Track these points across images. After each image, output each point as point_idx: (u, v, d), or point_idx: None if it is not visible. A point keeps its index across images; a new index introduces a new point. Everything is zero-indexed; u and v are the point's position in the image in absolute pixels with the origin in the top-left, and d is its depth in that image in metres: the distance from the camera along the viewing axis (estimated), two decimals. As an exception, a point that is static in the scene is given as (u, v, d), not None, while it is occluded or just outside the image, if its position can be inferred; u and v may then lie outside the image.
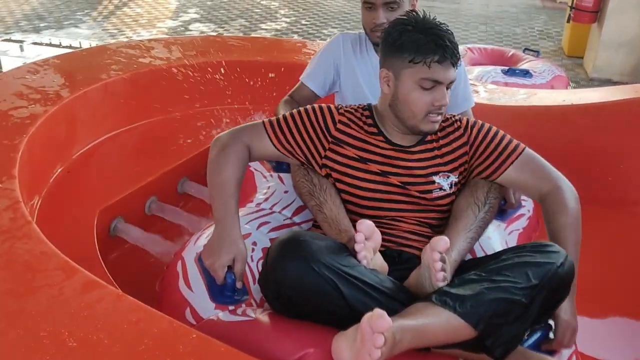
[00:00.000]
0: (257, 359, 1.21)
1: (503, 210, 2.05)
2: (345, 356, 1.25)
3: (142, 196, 2.23)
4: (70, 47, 5.75)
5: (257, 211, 1.96)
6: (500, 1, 8.46)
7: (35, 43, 5.85)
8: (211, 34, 6.34)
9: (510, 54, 5.20)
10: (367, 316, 1.21)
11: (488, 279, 1.37)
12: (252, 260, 1.71)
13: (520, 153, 1.67)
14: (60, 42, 5.87)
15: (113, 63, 2.66)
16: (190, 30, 6.65)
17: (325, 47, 2.21)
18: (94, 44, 5.73)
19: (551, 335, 1.53)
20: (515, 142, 1.68)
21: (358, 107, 1.74)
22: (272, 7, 7.75)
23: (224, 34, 6.40)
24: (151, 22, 6.89)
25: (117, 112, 2.53)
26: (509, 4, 8.33)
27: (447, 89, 1.57)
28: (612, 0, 5.37)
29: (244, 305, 1.55)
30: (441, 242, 1.40)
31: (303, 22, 7.13)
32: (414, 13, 1.68)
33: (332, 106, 1.73)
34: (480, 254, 1.82)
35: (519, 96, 2.78)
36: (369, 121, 1.70)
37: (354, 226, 1.54)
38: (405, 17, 1.63)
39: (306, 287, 1.35)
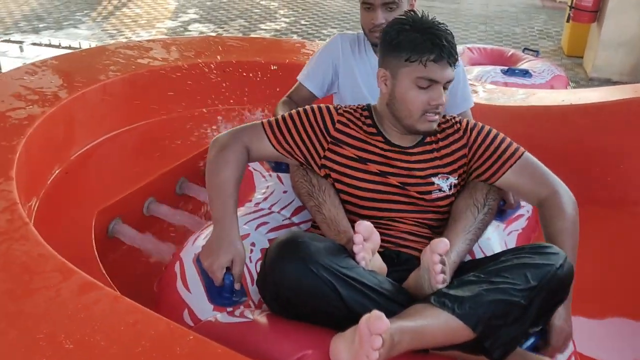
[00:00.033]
0: (254, 360, 1.21)
1: (502, 211, 2.04)
2: (343, 357, 1.24)
3: (141, 197, 2.22)
4: (69, 47, 5.74)
5: (255, 211, 1.95)
6: (499, 1, 8.45)
7: (34, 44, 5.85)
8: (210, 35, 6.34)
9: (510, 53, 5.20)
10: (365, 318, 1.20)
11: (487, 281, 1.36)
12: (251, 261, 1.70)
13: (519, 157, 1.66)
14: (59, 43, 5.87)
15: (111, 64, 2.65)
16: (190, 31, 6.64)
17: (323, 47, 2.20)
18: (93, 45, 5.72)
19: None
20: (514, 146, 1.68)
21: (357, 108, 1.73)
22: (271, 7, 7.75)
23: (224, 35, 6.40)
24: (150, 22, 6.89)
25: (116, 113, 2.53)
26: (508, 4, 8.33)
27: (444, 88, 1.57)
28: (611, 0, 5.37)
29: (242, 306, 1.54)
30: (441, 244, 1.40)
31: (302, 22, 7.13)
32: (412, 13, 1.68)
33: (331, 106, 1.73)
34: (479, 254, 1.82)
35: (518, 96, 2.78)
36: (368, 121, 1.70)
37: (353, 227, 1.53)
38: (403, 17, 1.63)
39: (304, 289, 1.35)
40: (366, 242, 1.47)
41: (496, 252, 1.80)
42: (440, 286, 1.39)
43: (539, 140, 2.24)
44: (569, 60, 6.09)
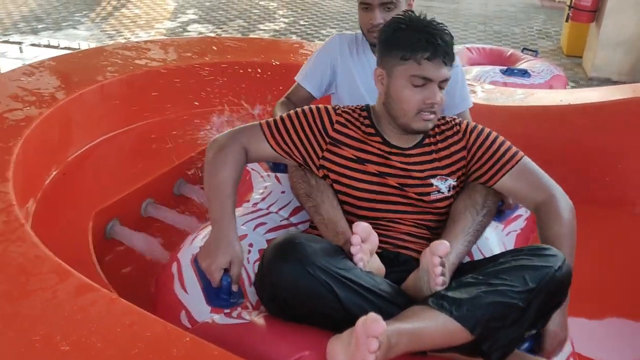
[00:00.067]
0: (251, 362, 1.20)
1: (501, 211, 2.04)
2: (340, 359, 1.24)
3: (138, 198, 2.22)
4: (68, 48, 5.74)
5: (253, 212, 1.95)
6: (499, 1, 8.45)
7: (33, 45, 5.84)
8: (210, 35, 6.33)
9: (509, 53, 5.19)
10: (361, 320, 1.20)
11: (485, 283, 1.36)
12: (249, 262, 1.70)
13: (518, 161, 1.65)
14: (58, 44, 5.86)
15: (109, 65, 2.65)
16: (189, 32, 6.64)
17: (321, 47, 2.20)
18: (92, 46, 5.72)
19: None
20: (513, 149, 1.67)
21: (356, 108, 1.73)
22: (270, 7, 7.75)
23: (223, 35, 6.39)
24: (149, 23, 6.88)
25: (113, 113, 2.53)
26: (507, 4, 8.32)
27: (440, 88, 1.56)
28: (610, 0, 5.37)
29: (239, 307, 1.54)
30: (441, 246, 1.40)
31: (301, 22, 7.12)
32: (410, 12, 1.68)
33: (329, 107, 1.72)
34: (477, 255, 1.81)
35: (516, 96, 2.77)
36: (367, 122, 1.69)
37: (352, 228, 1.53)
38: (400, 16, 1.64)
39: (301, 290, 1.35)
40: (364, 243, 1.47)
41: (495, 252, 1.81)
42: (439, 288, 1.39)
43: (537, 140, 2.25)
44: (568, 60, 6.09)
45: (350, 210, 1.69)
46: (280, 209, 1.98)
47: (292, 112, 1.72)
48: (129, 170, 2.29)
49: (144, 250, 2.09)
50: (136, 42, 3.16)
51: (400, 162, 1.65)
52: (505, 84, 4.18)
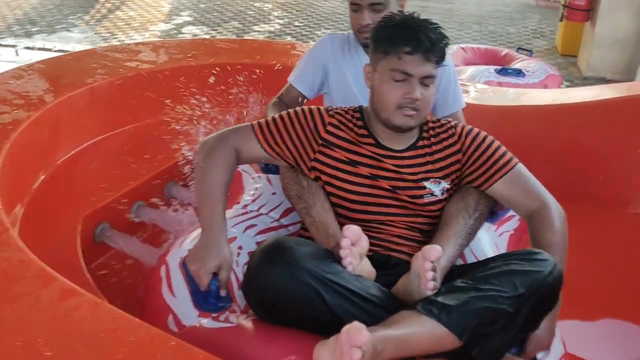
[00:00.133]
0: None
1: (493, 212, 2.02)
2: None
3: (128, 201, 2.20)
4: (62, 51, 5.72)
5: (243, 213, 1.94)
6: (494, 0, 8.45)
7: (27, 48, 5.83)
8: (204, 37, 6.32)
9: (504, 53, 5.20)
10: (345, 328, 1.19)
11: (474, 288, 1.35)
12: (238, 265, 1.69)
13: (512, 168, 1.64)
14: (54, 46, 5.85)
15: (99, 67, 2.64)
16: (183, 33, 6.63)
17: (313, 48, 2.19)
18: (88, 48, 5.70)
19: None
20: (508, 155, 1.66)
21: (349, 109, 1.72)
22: (265, 9, 7.74)
23: (217, 37, 6.38)
24: (144, 25, 6.87)
25: (103, 116, 2.51)
26: (502, 4, 8.32)
27: (425, 85, 1.55)
28: (604, -2, 5.38)
29: (227, 311, 1.53)
30: (433, 251, 1.39)
31: (296, 23, 7.11)
32: (400, 12, 1.68)
33: (322, 108, 1.71)
34: (470, 256, 1.80)
35: (509, 96, 2.77)
36: (360, 123, 1.68)
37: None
38: (391, 14, 1.65)
39: (289, 294, 1.34)
40: (354, 246, 1.46)
41: (487, 253, 1.80)
42: (429, 293, 1.38)
43: (530, 140, 2.24)
44: (563, 59, 6.08)
45: (342, 213, 1.67)
46: (271, 210, 1.97)
47: (284, 113, 1.71)
48: (119, 173, 2.28)
49: (134, 254, 2.07)
50: (127, 44, 3.14)
51: (393, 165, 1.64)
52: (499, 84, 4.19)
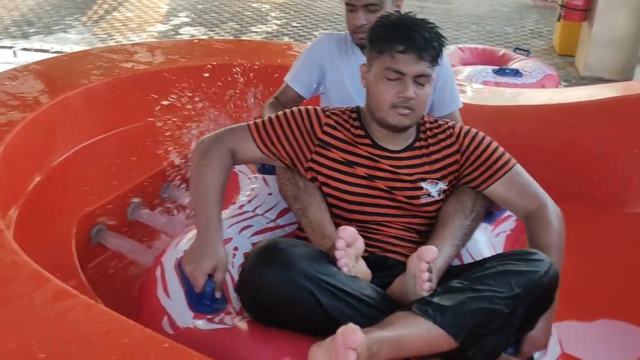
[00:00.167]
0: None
1: (490, 212, 2.01)
2: None
3: (125, 202, 2.20)
4: (60, 52, 5.71)
5: (239, 214, 1.93)
6: (491, 1, 8.45)
7: (25, 49, 5.82)
8: (202, 38, 6.32)
9: (501, 53, 5.21)
10: (340, 330, 1.19)
11: (470, 288, 1.35)
12: (233, 266, 1.68)
13: (510, 169, 1.64)
14: (51, 48, 5.84)
15: (94, 68, 2.63)
16: (181, 34, 6.62)
17: (309, 48, 2.19)
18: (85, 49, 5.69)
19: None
20: (507, 156, 1.66)
21: (345, 110, 1.71)
22: (263, 9, 7.73)
23: (215, 37, 6.38)
24: (141, 26, 6.86)
25: (98, 117, 2.50)
26: (500, 4, 8.33)
27: (419, 84, 1.55)
28: (601, -2, 5.39)
29: (222, 313, 1.52)
30: (429, 251, 1.38)
31: (294, 24, 7.11)
32: (397, 12, 1.68)
33: (318, 108, 1.71)
34: (466, 256, 1.80)
35: (505, 96, 2.77)
36: (356, 124, 1.67)
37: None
38: (387, 14, 1.65)
39: (283, 295, 1.33)
40: (349, 247, 1.45)
41: (484, 254, 1.80)
42: (425, 294, 1.38)
43: (526, 140, 2.24)
44: (561, 59, 6.09)
45: (338, 213, 1.67)
46: (267, 211, 1.97)
47: (280, 113, 1.70)
48: (116, 174, 2.27)
49: (130, 255, 2.07)
50: (122, 44, 3.14)
51: (390, 165, 1.64)
52: (497, 84, 4.19)
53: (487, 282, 1.35)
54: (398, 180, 1.63)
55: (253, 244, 1.76)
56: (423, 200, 1.64)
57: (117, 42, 6.24)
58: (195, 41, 3.65)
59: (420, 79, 1.54)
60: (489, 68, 4.64)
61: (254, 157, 1.69)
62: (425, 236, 1.67)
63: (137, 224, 2.23)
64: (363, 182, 1.64)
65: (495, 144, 1.68)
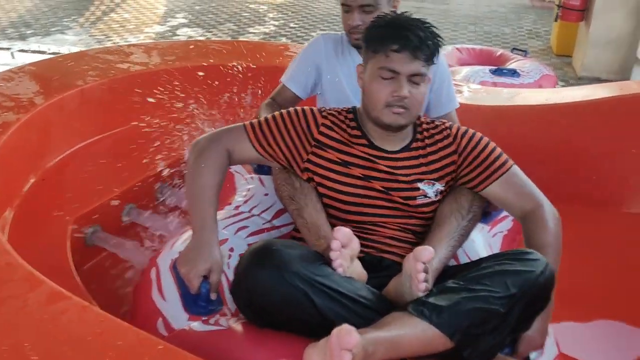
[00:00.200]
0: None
1: (487, 213, 2.01)
2: None
3: (120, 203, 2.19)
4: (57, 54, 5.70)
5: (235, 215, 1.92)
6: (489, 1, 8.46)
7: (22, 50, 5.81)
8: (199, 39, 6.31)
9: (499, 53, 5.22)
10: (335, 331, 1.19)
11: (466, 288, 1.35)
12: (229, 268, 1.67)
13: (507, 170, 1.64)
14: (49, 49, 5.83)
15: (90, 69, 2.62)
16: (178, 35, 6.62)
17: (305, 48, 2.19)
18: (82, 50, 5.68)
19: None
20: (504, 157, 1.66)
21: (342, 110, 1.71)
22: (260, 10, 7.73)
23: (212, 38, 6.37)
24: (139, 27, 6.86)
25: (93, 119, 2.49)
26: (497, 4, 8.33)
27: (414, 83, 1.54)
28: (598, -2, 5.39)
29: (217, 314, 1.51)
30: (425, 252, 1.38)
31: (292, 25, 7.11)
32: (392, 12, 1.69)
33: (315, 109, 1.70)
34: (463, 257, 1.80)
35: (501, 96, 2.77)
36: (353, 124, 1.67)
37: (336, 232, 1.50)
38: (382, 14, 1.66)
39: (278, 297, 1.33)
40: (345, 248, 1.45)
41: (481, 254, 1.80)
42: (421, 294, 1.37)
43: (523, 140, 2.23)
44: (558, 59, 6.09)
45: (334, 214, 1.66)
46: (263, 211, 1.96)
47: (277, 113, 1.70)
48: (110, 175, 2.26)
49: (125, 256, 2.06)
50: (118, 46, 3.13)
51: (386, 166, 1.63)
52: (494, 84, 4.20)
53: (482, 282, 1.35)
54: (394, 181, 1.63)
55: (249, 245, 1.75)
56: (419, 201, 1.64)
57: (114, 43, 6.25)
58: (191, 42, 3.64)
59: (415, 78, 1.54)
60: (487, 68, 4.65)
61: (250, 157, 1.69)
62: (421, 237, 1.67)
63: (132, 226, 2.22)
64: (359, 182, 1.63)
65: (492, 144, 1.67)
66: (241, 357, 1.32)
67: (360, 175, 1.63)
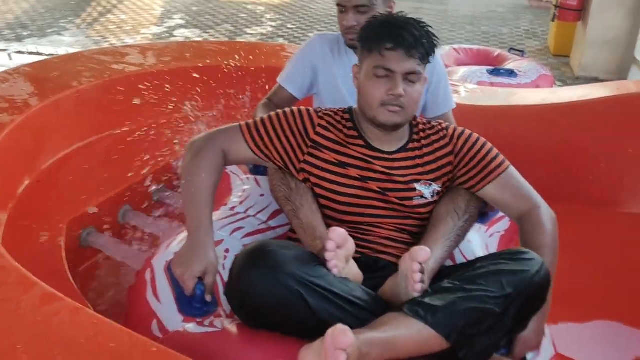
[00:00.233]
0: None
1: (484, 213, 2.00)
2: None
3: (115, 205, 2.18)
4: (54, 55, 5.70)
5: (231, 215, 1.92)
6: (487, 1, 8.47)
7: (18, 52, 5.80)
8: (197, 40, 6.31)
9: (496, 54, 5.22)
10: (330, 331, 1.18)
11: (461, 288, 1.34)
12: (224, 269, 1.66)
13: (504, 171, 1.63)
14: (45, 50, 5.83)
15: (85, 70, 2.61)
16: (175, 36, 6.61)
17: (302, 48, 2.19)
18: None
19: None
20: (500, 158, 1.65)
21: (338, 111, 1.70)
22: (257, 11, 7.73)
23: (210, 39, 6.37)
24: (135, 28, 6.85)
25: (89, 120, 2.48)
26: (495, 4, 8.35)
27: (410, 82, 1.54)
28: (595, -2, 5.40)
29: (212, 316, 1.51)
30: (422, 252, 1.37)
31: (289, 25, 7.11)
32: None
33: (311, 109, 1.70)
34: (459, 257, 1.79)
35: (498, 96, 2.76)
36: (349, 124, 1.66)
37: (331, 233, 1.50)
38: (378, 14, 1.66)
39: (272, 298, 1.32)
40: (340, 249, 1.44)
41: (477, 254, 1.79)
42: (417, 294, 1.37)
43: (520, 140, 2.23)
44: (556, 59, 6.10)
45: (330, 214, 1.66)
46: (259, 212, 1.96)
47: (273, 114, 1.69)
48: (106, 177, 2.26)
49: (121, 258, 2.05)
50: (114, 47, 3.12)
51: (383, 167, 1.63)
52: (492, 84, 4.20)
53: (478, 281, 1.34)
54: (391, 182, 1.62)
55: (244, 246, 1.74)
56: (416, 202, 1.63)
57: (111, 44, 6.24)
58: (187, 44, 3.64)
59: (410, 77, 1.54)
60: (484, 68, 4.65)
61: (245, 158, 1.68)
62: (417, 238, 1.66)
63: (128, 227, 2.22)
64: (356, 183, 1.63)
65: (489, 145, 1.67)
66: (236, 358, 1.32)
67: (357, 175, 1.62)
